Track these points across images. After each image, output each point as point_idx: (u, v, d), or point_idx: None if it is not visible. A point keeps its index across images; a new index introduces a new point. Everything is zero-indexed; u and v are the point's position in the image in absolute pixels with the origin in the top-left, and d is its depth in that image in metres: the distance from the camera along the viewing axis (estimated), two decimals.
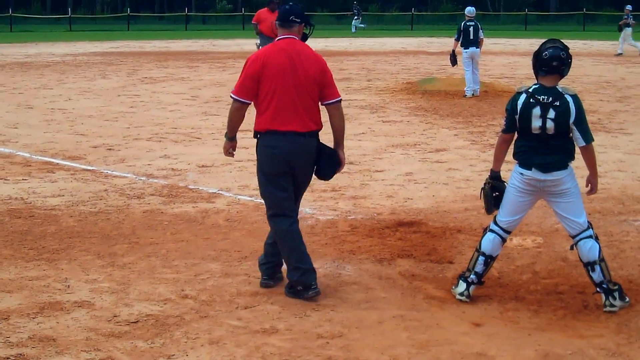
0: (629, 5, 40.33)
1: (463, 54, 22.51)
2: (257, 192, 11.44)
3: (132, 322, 7.00)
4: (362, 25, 67.44)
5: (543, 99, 7.22)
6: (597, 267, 7.35)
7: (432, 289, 7.84)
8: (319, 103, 7.70)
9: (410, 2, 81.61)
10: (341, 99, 7.77)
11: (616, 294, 7.35)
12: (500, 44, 45.66)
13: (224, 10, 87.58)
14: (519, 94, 7.37)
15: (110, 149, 14.84)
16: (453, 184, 12.18)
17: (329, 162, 7.74)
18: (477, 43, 22.47)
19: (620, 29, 39.73)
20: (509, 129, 7.41)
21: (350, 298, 7.59)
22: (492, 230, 7.58)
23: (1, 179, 12.57)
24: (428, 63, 33.71)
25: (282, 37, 7.69)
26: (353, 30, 65.35)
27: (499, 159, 7.57)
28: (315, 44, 48.48)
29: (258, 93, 7.57)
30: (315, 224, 10.05)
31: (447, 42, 43.10)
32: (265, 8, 25.01)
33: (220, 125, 17.62)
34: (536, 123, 7.21)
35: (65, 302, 7.42)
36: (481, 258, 7.58)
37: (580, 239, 7.38)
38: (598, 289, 7.37)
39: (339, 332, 6.82)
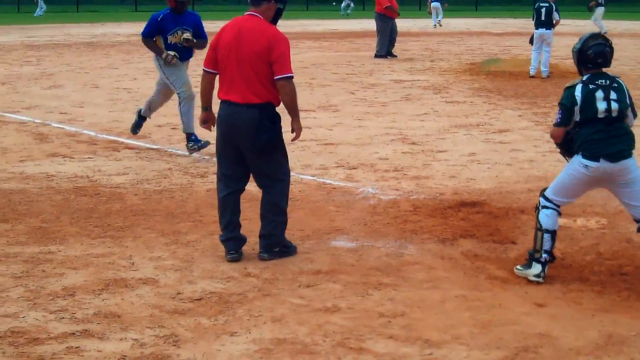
0: None
1: (534, 33, 22.31)
2: (320, 172, 11.54)
3: (195, 300, 7.07)
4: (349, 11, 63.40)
5: (602, 82, 7.32)
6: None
7: (494, 269, 7.82)
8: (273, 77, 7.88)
9: None
10: (289, 76, 7.87)
11: None
12: (566, 25, 45.09)
13: None
14: (574, 86, 7.44)
15: (174, 128, 14.94)
16: (516, 165, 12.11)
17: (261, 132, 7.83)
18: (548, 24, 22.19)
19: (590, 10, 39.56)
20: (564, 121, 7.48)
21: (412, 277, 7.59)
22: (546, 207, 7.61)
23: (67, 157, 12.73)
24: (492, 44, 33.46)
25: (247, 12, 8.01)
26: (342, 12, 62.68)
27: (555, 141, 7.66)
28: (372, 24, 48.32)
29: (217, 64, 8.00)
30: (377, 204, 10.06)
31: (511, 23, 42.87)
32: None
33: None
34: (601, 106, 7.26)
35: (130, 279, 7.51)
36: (546, 235, 7.57)
37: None
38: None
39: (401, 311, 6.82)
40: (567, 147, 7.62)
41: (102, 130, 14.92)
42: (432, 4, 45.44)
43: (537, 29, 22.27)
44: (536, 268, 7.57)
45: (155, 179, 11.27)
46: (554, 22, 22.31)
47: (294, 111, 8.06)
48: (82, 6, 68.40)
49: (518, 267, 7.73)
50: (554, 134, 7.63)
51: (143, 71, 24.24)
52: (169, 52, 12.58)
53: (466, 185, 10.98)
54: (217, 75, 8.06)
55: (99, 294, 7.16)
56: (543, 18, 22.24)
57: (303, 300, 7.05)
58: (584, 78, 7.43)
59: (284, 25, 47.31)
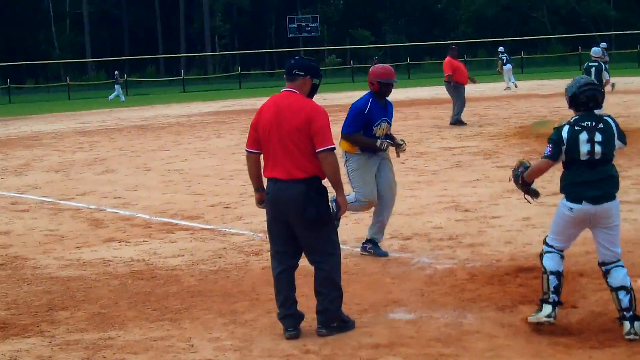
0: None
1: None
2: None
3: None
4: None
5: (588, 124, 7.69)
6: (630, 293, 7.69)
7: (556, 334, 7.72)
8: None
9: (520, 45, 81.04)
10: (331, 148, 7.89)
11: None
12: (616, 82, 44.95)
13: (332, 63, 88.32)
14: (562, 127, 7.84)
15: (227, 207, 15.04)
16: None
17: (310, 206, 7.83)
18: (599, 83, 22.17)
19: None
20: (554, 155, 7.84)
21: (473, 347, 7.53)
22: (548, 252, 8.02)
23: (123, 241, 12.84)
24: (540, 106, 33.41)
25: (284, 89, 8.11)
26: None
27: (534, 176, 8.21)
28: (424, 92, 48.57)
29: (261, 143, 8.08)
30: (433, 273, 10.02)
31: (558, 84, 42.69)
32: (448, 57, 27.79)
33: None
34: (584, 148, 7.64)
35: None
36: (552, 277, 7.92)
37: (616, 266, 7.84)
38: (625, 313, 7.63)
39: None
40: (527, 190, 8.30)
41: (156, 213, 15.04)
42: (505, 66, 45.75)
43: None
44: (546, 309, 7.83)
45: (210, 259, 11.32)
46: (604, 81, 22.26)
47: (337, 184, 8.01)
48: (131, 89, 69.49)
49: (530, 316, 7.92)
50: (542, 166, 8.00)
51: (193, 152, 24.46)
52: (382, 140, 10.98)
53: (522, 250, 10.91)
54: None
55: None
56: (593, 77, 22.23)
57: None
58: (572, 119, 7.81)
59: (330, 98, 47.67)
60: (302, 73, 8.09)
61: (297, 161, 7.86)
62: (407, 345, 7.63)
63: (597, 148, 7.63)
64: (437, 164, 19.27)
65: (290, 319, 8.05)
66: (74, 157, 24.98)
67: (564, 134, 7.75)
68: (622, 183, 15.04)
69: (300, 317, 8.14)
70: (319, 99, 39.01)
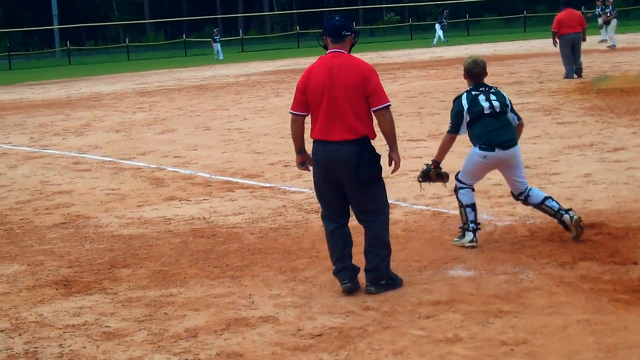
0: None
1: None
2: (434, 201, 11.51)
3: (316, 335, 7.10)
4: (443, 39, 60.36)
5: (482, 89, 9.36)
6: (550, 200, 9.37)
7: (616, 291, 7.67)
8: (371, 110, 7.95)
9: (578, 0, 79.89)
10: (387, 105, 7.92)
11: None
12: None
13: (391, 21, 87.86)
14: (460, 96, 9.38)
15: (286, 166, 15.08)
16: (634, 183, 11.89)
17: (362, 166, 7.87)
18: None
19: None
20: (454, 128, 9.36)
21: (533, 304, 7.50)
22: (461, 187, 9.44)
23: (183, 200, 12.95)
24: (601, 61, 32.99)
25: (330, 50, 8.07)
26: (434, 42, 59.91)
27: (444, 153, 9.54)
28: (483, 49, 48.18)
29: (309, 105, 8.03)
30: (493, 230, 9.98)
31: (619, 39, 42.12)
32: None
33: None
34: (485, 104, 9.20)
35: (251, 318, 7.58)
36: (468, 209, 9.36)
37: (529, 189, 9.44)
38: (562, 212, 9.27)
39: (523, 338, 6.74)
40: (438, 174, 9.71)
41: (216, 171, 15.14)
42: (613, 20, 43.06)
43: None
44: (469, 236, 9.31)
45: (270, 217, 11.38)
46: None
47: (392, 141, 8.10)
48: (190, 50, 69.71)
49: (455, 239, 9.47)
50: (446, 141, 9.50)
51: (253, 111, 24.54)
52: None
53: (583, 206, 10.82)
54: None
55: (220, 334, 7.24)
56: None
57: (424, 332, 7.02)
58: (468, 88, 9.41)
59: (389, 56, 47.46)
60: (349, 33, 8.07)
61: (349, 121, 7.83)
62: (467, 302, 7.62)
63: (495, 103, 9.22)
64: None
65: (345, 272, 8.08)
66: (134, 117, 25.18)
67: (464, 100, 9.28)
68: None
69: (355, 269, 8.15)
70: (377, 56, 38.99)
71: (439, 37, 59.79)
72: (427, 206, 11.37)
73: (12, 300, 8.52)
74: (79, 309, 8.12)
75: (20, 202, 13.61)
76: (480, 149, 9.19)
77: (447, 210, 11.06)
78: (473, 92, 9.30)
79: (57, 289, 8.83)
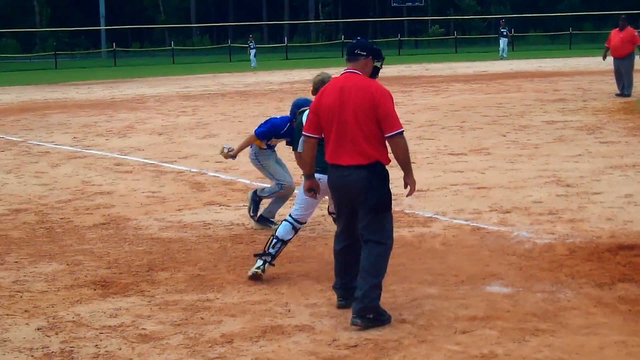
0: None
1: None
2: (473, 216, 11.49)
3: (351, 346, 7.09)
4: (504, 54, 59.79)
5: None
6: (274, 240, 9.12)
7: None
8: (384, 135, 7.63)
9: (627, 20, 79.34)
10: (400, 132, 7.58)
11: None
12: None
13: (435, 34, 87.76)
14: (302, 113, 9.29)
15: None
16: None
17: (371, 192, 7.62)
18: None
19: None
20: (296, 145, 9.44)
21: (570, 323, 7.46)
22: (287, 221, 9.25)
23: (223, 205, 13.01)
24: None
25: (345, 71, 7.84)
26: (501, 54, 59.48)
27: (302, 165, 8.56)
28: (528, 64, 48.00)
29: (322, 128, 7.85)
30: (532, 248, 9.95)
31: None
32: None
33: (434, 149, 17.67)
34: None
35: (287, 326, 7.59)
36: (274, 241, 9.13)
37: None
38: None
39: (559, 357, 6.71)
40: None
41: (256, 178, 15.17)
42: None
43: None
44: (258, 262, 9.08)
45: (309, 225, 11.39)
46: None
47: (407, 167, 7.81)
48: (235, 55, 69.99)
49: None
50: (297, 159, 9.63)
51: None
52: None
53: (623, 227, 10.76)
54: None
55: (256, 341, 7.26)
56: None
57: (459, 347, 7.00)
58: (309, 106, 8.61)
59: (432, 69, 47.38)
60: (365, 53, 7.78)
61: (360, 146, 7.57)
62: (504, 319, 7.60)
63: None
64: (539, 137, 19.07)
65: (343, 291, 8.04)
66: (177, 121, 25.31)
67: (303, 118, 9.10)
68: None
69: (353, 290, 7.81)
70: (420, 68, 38.87)
71: (503, 49, 59.45)
72: (466, 221, 11.34)
73: (50, 299, 8.60)
74: (116, 310, 8.18)
75: (62, 202, 13.72)
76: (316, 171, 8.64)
77: (486, 226, 11.03)
78: None
79: (94, 290, 8.90)
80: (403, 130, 7.62)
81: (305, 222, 9.46)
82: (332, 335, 7.35)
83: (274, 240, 9.15)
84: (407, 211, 12.01)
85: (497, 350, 6.89)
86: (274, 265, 9.13)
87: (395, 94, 32.12)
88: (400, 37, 79.27)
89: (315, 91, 9.31)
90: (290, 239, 9.30)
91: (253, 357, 6.92)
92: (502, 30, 60.32)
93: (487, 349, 6.91)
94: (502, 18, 66.67)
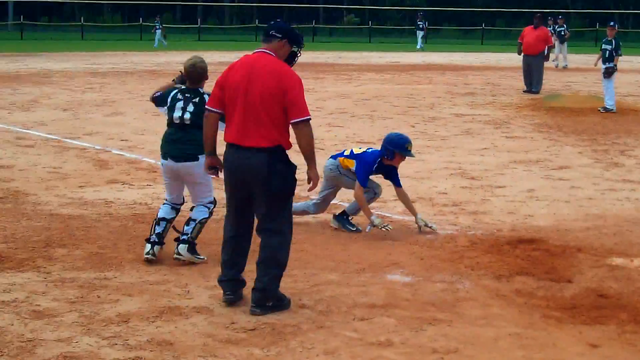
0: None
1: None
2: (378, 205, 11.49)
3: (249, 330, 7.06)
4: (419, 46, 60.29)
5: (188, 95, 8.99)
6: (192, 223, 9.00)
7: (549, 307, 7.72)
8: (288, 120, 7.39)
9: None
10: (306, 119, 7.33)
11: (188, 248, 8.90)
12: (627, 62, 44.73)
13: (351, 23, 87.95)
14: (175, 88, 9.21)
15: None
16: (575, 202, 11.98)
17: (275, 177, 7.39)
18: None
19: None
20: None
21: (467, 314, 7.52)
22: (165, 203, 9.26)
23: (127, 184, 12.84)
24: (554, 79, 33.22)
25: (257, 50, 7.59)
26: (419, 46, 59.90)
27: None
28: (440, 58, 48.37)
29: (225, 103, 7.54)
30: (434, 238, 10.00)
31: (572, 59, 42.46)
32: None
33: (344, 137, 17.68)
34: (177, 113, 8.92)
35: (185, 308, 7.52)
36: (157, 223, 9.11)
37: (195, 207, 9.15)
38: (181, 237, 8.93)
39: (454, 347, 6.76)
40: None
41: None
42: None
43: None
44: (146, 247, 8.98)
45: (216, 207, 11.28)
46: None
47: (310, 157, 7.52)
48: (146, 34, 69.22)
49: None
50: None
51: None
52: None
53: (524, 221, 10.89)
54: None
55: (152, 322, 7.18)
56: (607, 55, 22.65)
57: (357, 334, 7.01)
58: (183, 87, 9.16)
59: (346, 57, 47.48)
60: (280, 35, 7.54)
61: (264, 129, 7.33)
62: (402, 307, 7.63)
63: (187, 115, 8.84)
64: (447, 129, 19.22)
65: (229, 284, 7.70)
66: (83, 97, 24.94)
67: (171, 94, 9.09)
68: (628, 161, 15.07)
69: (242, 283, 7.77)
70: (334, 56, 38.85)
71: (420, 41, 59.89)
72: (371, 209, 11.34)
73: None
74: (10, 286, 8.00)
75: None
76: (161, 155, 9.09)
77: (390, 215, 11.07)
78: (179, 95, 9.02)
79: None
80: (310, 118, 7.40)
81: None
82: (231, 318, 7.30)
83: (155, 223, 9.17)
84: (313, 198, 11.96)
85: (393, 338, 6.90)
86: (163, 244, 9.07)
87: (307, 81, 31.97)
88: (315, 24, 79.17)
89: (187, 75, 9.09)
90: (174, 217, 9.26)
91: (149, 337, 6.83)
92: (419, 23, 60.72)
93: (384, 337, 6.93)
94: (419, 11, 67.07)
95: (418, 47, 59.24)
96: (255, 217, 7.71)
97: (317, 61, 42.51)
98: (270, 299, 7.49)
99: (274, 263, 7.54)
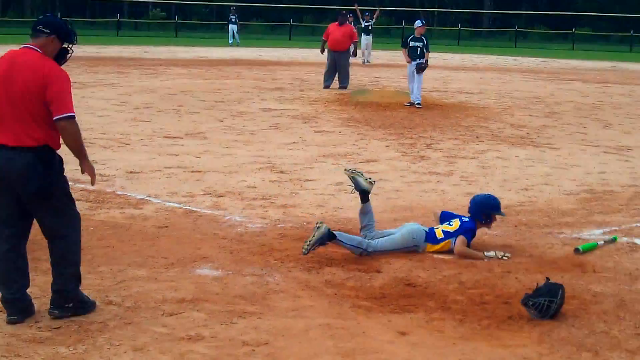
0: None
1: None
2: (186, 199, 11.43)
3: (54, 328, 6.89)
4: (230, 41, 60.37)
5: None
6: None
7: (359, 297, 7.83)
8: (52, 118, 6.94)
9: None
10: (69, 115, 6.92)
11: None
12: (432, 58, 45.98)
13: (156, 17, 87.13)
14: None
15: None
16: (383, 195, 12.19)
17: (32, 178, 6.89)
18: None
19: None
20: None
21: (277, 306, 7.55)
22: None
23: None
24: (361, 75, 33.81)
25: (22, 45, 7.23)
26: (230, 41, 60.17)
27: None
28: (248, 53, 48.49)
29: None
30: (244, 232, 10.00)
31: (380, 55, 43.29)
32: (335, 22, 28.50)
33: (150, 131, 17.49)
34: None
35: None
36: None
37: None
38: None
39: (265, 340, 6.77)
40: None
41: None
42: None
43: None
44: None
45: None
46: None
47: (80, 153, 7.14)
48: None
49: None
50: None
51: None
52: None
53: (333, 214, 11.01)
54: None
55: None
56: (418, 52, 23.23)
57: (166, 329, 6.94)
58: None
59: (153, 52, 47.01)
60: (48, 31, 7.09)
61: (28, 127, 6.88)
62: (212, 301, 7.59)
63: None
64: (255, 124, 19.25)
65: (15, 304, 7.10)
66: None
67: None
68: (434, 154, 15.48)
69: (27, 301, 7.20)
70: (140, 51, 38.08)
71: (233, 36, 59.78)
72: (179, 204, 11.27)
73: None
74: None
75: None
76: None
77: (199, 209, 11.01)
78: None
79: None
80: (73, 115, 7.00)
81: None
82: (35, 317, 7.11)
83: None
84: (119, 192, 11.81)
85: (203, 332, 6.87)
86: None
87: (112, 75, 31.49)
88: (120, 18, 78.04)
89: None
90: None
91: None
92: (231, 17, 60.71)
93: (193, 331, 6.89)
94: (231, 6, 67.16)
95: (230, 42, 59.24)
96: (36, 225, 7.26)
97: (122, 55, 41.95)
98: (69, 300, 7.17)
99: (66, 263, 7.19)
